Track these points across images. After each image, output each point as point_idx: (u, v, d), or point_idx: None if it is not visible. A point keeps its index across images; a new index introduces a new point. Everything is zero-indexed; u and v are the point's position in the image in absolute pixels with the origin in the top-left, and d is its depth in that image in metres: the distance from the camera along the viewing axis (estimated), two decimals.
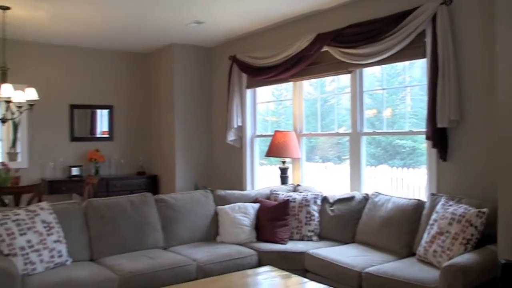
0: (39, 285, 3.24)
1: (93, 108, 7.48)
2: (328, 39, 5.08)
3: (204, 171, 7.33)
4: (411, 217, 4.00)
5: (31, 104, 5.24)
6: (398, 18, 4.38)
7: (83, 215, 4.05)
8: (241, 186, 6.60)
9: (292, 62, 5.56)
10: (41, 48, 7.03)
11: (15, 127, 6.79)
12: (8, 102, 5.02)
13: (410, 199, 4.16)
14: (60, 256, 3.61)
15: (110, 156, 7.46)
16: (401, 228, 4.00)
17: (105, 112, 7.59)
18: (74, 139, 7.28)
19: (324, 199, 4.78)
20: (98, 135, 7.52)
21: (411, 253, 3.89)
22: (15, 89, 5.25)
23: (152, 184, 7.43)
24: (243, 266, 4.02)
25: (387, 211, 4.17)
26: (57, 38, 6.79)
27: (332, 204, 4.70)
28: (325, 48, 5.18)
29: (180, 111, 7.13)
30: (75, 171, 7.02)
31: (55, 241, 3.61)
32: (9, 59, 5.55)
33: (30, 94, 5.22)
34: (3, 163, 5.20)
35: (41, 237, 3.53)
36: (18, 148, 6.91)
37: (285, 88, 6.55)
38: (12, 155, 6.76)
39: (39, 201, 4.58)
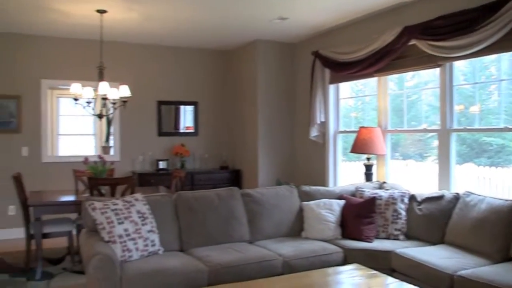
0: (135, 271, 3.41)
1: (179, 104, 7.77)
2: (416, 32, 4.92)
3: (286, 167, 7.37)
4: (507, 219, 3.78)
5: (124, 101, 5.52)
6: (493, 8, 4.15)
7: (173, 207, 4.21)
8: (323, 182, 6.58)
9: (377, 56, 5.45)
10: (132, 48, 7.42)
11: (109, 122, 7.21)
12: (104, 99, 5.32)
13: (506, 200, 3.93)
14: (153, 245, 3.79)
15: (194, 150, 7.73)
16: (496, 231, 3.79)
17: (188, 108, 7.84)
18: (161, 134, 7.60)
19: (412, 198, 4.64)
20: (181, 130, 7.80)
21: (507, 258, 3.68)
22: (110, 87, 5.56)
23: (235, 179, 7.59)
24: (328, 263, 3.99)
25: (480, 212, 3.97)
26: (147, 38, 7.11)
27: (420, 203, 4.55)
28: (412, 42, 5.03)
29: (262, 107, 7.22)
30: (162, 165, 7.33)
31: (149, 231, 3.79)
32: (104, 59, 5.89)
33: (124, 91, 5.50)
34: (99, 156, 5.52)
35: (136, 226, 3.72)
36: (111, 142, 7.33)
37: (363, 84, 6.44)
38: (105, 149, 7.19)
39: (132, 192, 4.82)
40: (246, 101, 7.59)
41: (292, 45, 7.43)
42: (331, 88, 6.64)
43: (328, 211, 4.55)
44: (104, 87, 5.23)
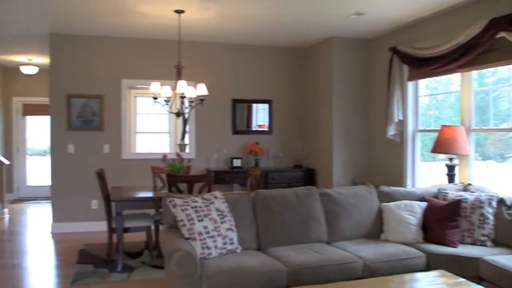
0: (215, 269, 3.42)
1: (253, 102, 7.79)
2: (505, 23, 4.62)
3: (361, 166, 7.20)
4: None
5: (201, 99, 5.59)
6: None
7: (251, 206, 4.20)
8: (400, 182, 6.35)
9: (460, 51, 5.17)
10: (208, 47, 7.54)
11: (185, 120, 7.35)
12: (182, 97, 5.42)
13: None
14: (231, 243, 3.79)
15: (268, 149, 7.73)
16: None
17: (261, 106, 7.84)
18: (235, 132, 7.66)
19: (500, 201, 4.34)
20: (253, 129, 7.81)
21: None
22: (187, 85, 5.65)
23: (309, 178, 7.51)
24: (410, 267, 3.83)
25: None
26: (223, 37, 7.19)
27: (510, 207, 4.27)
28: (500, 34, 4.72)
29: (338, 105, 7.09)
30: (236, 163, 7.38)
31: (228, 229, 3.80)
32: (181, 58, 6.00)
33: (201, 89, 5.57)
34: (177, 154, 5.64)
35: (215, 224, 3.74)
36: (187, 140, 7.48)
37: (437, 81, 6.15)
38: (181, 147, 7.34)
39: (209, 190, 4.87)
40: (321, 99, 7.48)
41: (368, 41, 7.24)
42: (410, 85, 6.40)
43: (409, 213, 4.37)
44: (182, 86, 5.33)
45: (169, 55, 6.64)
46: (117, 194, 5.24)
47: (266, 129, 7.85)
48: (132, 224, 5.22)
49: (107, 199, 5.24)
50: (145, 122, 10.39)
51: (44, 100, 8.80)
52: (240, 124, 7.76)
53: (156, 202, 5.07)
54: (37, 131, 11.07)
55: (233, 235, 3.83)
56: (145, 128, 10.32)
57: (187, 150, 7.49)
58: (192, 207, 3.74)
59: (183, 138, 7.57)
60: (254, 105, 7.85)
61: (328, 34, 7.01)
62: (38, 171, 11.17)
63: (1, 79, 10.17)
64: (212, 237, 3.67)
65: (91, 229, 6.98)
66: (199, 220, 3.68)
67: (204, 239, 3.63)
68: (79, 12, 5.86)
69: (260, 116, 7.90)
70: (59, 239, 6.69)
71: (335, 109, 7.09)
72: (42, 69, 9.54)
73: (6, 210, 8.50)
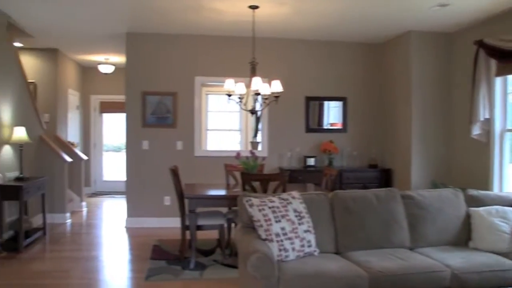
0: (293, 272, 3.28)
1: (327, 100, 7.58)
2: None
3: (442, 167, 6.82)
4: None
5: (276, 96, 5.46)
6: None
7: (329, 207, 4.02)
8: (485, 186, 5.91)
9: None
10: (281, 43, 7.43)
11: (258, 118, 7.27)
12: (256, 94, 5.31)
13: None
14: (309, 246, 3.64)
15: (342, 147, 7.49)
16: None
17: (332, 103, 7.62)
18: (309, 130, 7.48)
19: None
20: (324, 127, 7.58)
21: None
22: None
23: (385, 178, 7.21)
24: (504, 280, 3.49)
25: None
26: (297, 32, 7.05)
27: None
28: None
29: (417, 102, 6.74)
30: (309, 161, 7.20)
31: (305, 231, 3.64)
32: (254, 55, 5.91)
33: (276, 86, 5.44)
34: (251, 152, 5.54)
35: (293, 225, 3.60)
36: (259, 138, 7.39)
37: None
38: (254, 144, 7.27)
39: (284, 189, 4.74)
40: (398, 97, 7.15)
41: (449, 35, 6.83)
42: (498, 80, 5.95)
43: (501, 220, 4.01)
44: (257, 83, 5.22)
45: (242, 52, 6.59)
46: (190, 191, 5.22)
47: (340, 127, 7.60)
48: (205, 222, 5.19)
49: (180, 196, 5.24)
50: (215, 120, 10.44)
51: (120, 97, 9.06)
52: (312, 122, 7.57)
53: (230, 200, 5.01)
54: (112, 127, 11.44)
55: (311, 237, 3.67)
56: (215, 126, 10.37)
57: (259, 148, 7.41)
58: (269, 207, 3.62)
59: (255, 135, 7.50)
60: (325, 102, 7.63)
61: (406, 28, 6.68)
62: (113, 166, 11.55)
63: (81, 78, 10.59)
64: (289, 238, 3.53)
65: (164, 225, 7.05)
66: (276, 221, 3.55)
67: (282, 240, 3.49)
68: (154, 11, 5.93)
69: (332, 114, 7.67)
70: (133, 233, 6.82)
71: (413, 106, 6.74)
72: (117, 68, 9.82)
73: (84, 203, 8.82)
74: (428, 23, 6.39)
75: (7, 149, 6.06)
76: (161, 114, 7.16)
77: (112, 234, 6.81)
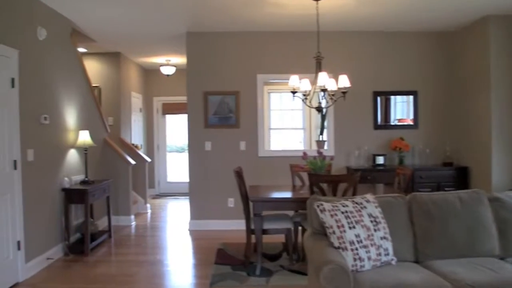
0: (369, 285, 2.98)
1: (396, 94, 7.15)
2: None
3: None
4: None
5: (344, 92, 5.14)
6: None
7: (407, 211, 3.67)
8: None
9: None
10: (346, 36, 7.09)
11: (323, 116, 6.96)
12: (323, 90, 5.02)
13: None
14: (386, 254, 3.32)
15: (414, 144, 7.05)
16: None
17: (399, 98, 7.18)
18: (377, 127, 7.09)
19: None
20: (391, 123, 7.15)
21: None
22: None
23: (461, 177, 6.68)
24: None
25: None
26: (362, 24, 6.68)
27: None
28: None
29: (497, 94, 6.19)
30: (378, 160, 6.81)
31: (382, 238, 3.33)
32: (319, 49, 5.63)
33: (344, 81, 5.12)
34: (318, 151, 5.25)
35: (368, 232, 3.29)
36: (325, 136, 7.08)
37: None
38: (320, 143, 6.96)
39: (354, 191, 4.43)
40: (475, 89, 6.60)
41: None
42: None
43: None
44: (323, 78, 4.92)
45: (305, 47, 6.33)
46: (254, 194, 5.01)
47: (411, 123, 7.14)
48: (272, 226, 4.96)
49: (245, 199, 5.04)
50: (277, 119, 10.21)
51: (181, 99, 9.03)
52: (380, 118, 7.16)
53: (297, 203, 4.75)
54: (175, 129, 11.49)
55: (388, 245, 3.35)
56: (278, 125, 10.14)
57: (325, 146, 7.10)
58: (342, 212, 3.33)
59: (321, 134, 7.19)
60: (392, 97, 7.19)
61: (482, 13, 6.14)
62: (176, 167, 11.60)
63: (144, 81, 10.69)
64: (365, 246, 3.23)
65: (228, 228, 6.91)
66: (350, 228, 3.26)
67: (356, 249, 3.20)
68: (214, 8, 5.78)
69: (399, 109, 7.22)
70: (196, 236, 6.72)
71: (493, 100, 6.19)
72: (178, 69, 9.82)
73: (148, 205, 8.85)
74: (509, 6, 5.82)
75: (73, 153, 6.12)
76: (223, 114, 7.01)
77: (176, 237, 6.73)
